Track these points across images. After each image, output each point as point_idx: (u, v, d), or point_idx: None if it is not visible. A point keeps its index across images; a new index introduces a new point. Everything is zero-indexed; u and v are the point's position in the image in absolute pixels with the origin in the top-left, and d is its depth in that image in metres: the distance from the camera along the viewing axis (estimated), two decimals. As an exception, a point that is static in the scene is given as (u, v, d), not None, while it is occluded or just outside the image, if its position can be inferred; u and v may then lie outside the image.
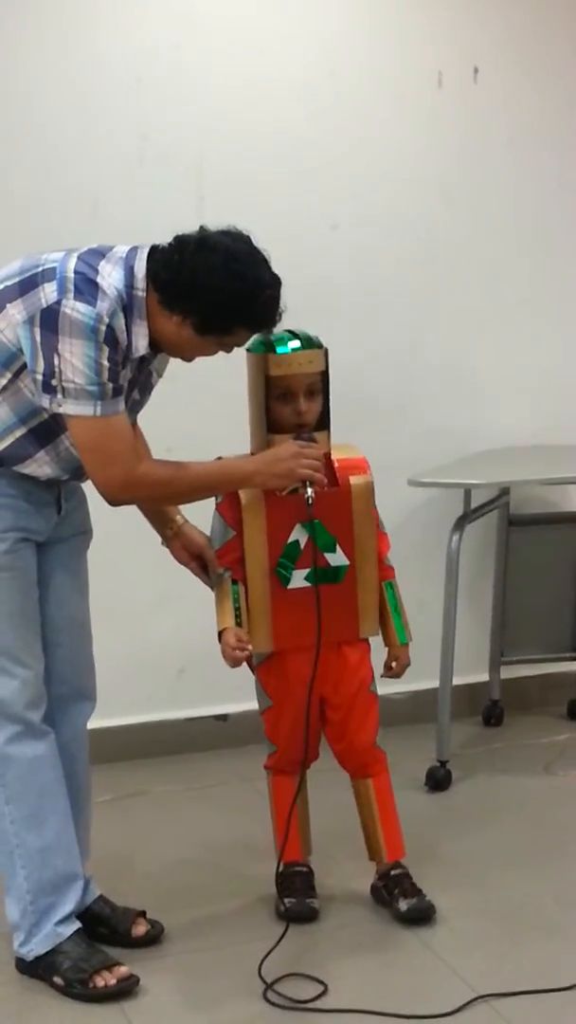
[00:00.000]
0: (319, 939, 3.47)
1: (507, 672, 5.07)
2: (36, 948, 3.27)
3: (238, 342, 3.16)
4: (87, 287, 3.02)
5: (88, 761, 3.49)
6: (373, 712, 3.58)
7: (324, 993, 3.21)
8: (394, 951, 3.42)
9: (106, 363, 3.02)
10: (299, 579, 3.43)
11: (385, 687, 3.63)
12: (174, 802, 4.40)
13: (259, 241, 3.11)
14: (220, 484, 3.35)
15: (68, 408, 3.05)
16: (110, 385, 3.04)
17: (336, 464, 3.48)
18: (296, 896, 3.55)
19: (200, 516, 3.49)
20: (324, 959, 3.36)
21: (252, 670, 3.57)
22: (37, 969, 3.29)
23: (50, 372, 3.03)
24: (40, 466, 3.18)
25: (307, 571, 3.43)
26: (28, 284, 3.06)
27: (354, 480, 3.48)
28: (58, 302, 3.01)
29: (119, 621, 4.35)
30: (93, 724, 3.50)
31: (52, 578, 3.33)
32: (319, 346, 3.40)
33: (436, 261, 4.90)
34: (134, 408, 3.27)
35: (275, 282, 3.09)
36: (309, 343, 3.38)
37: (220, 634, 3.40)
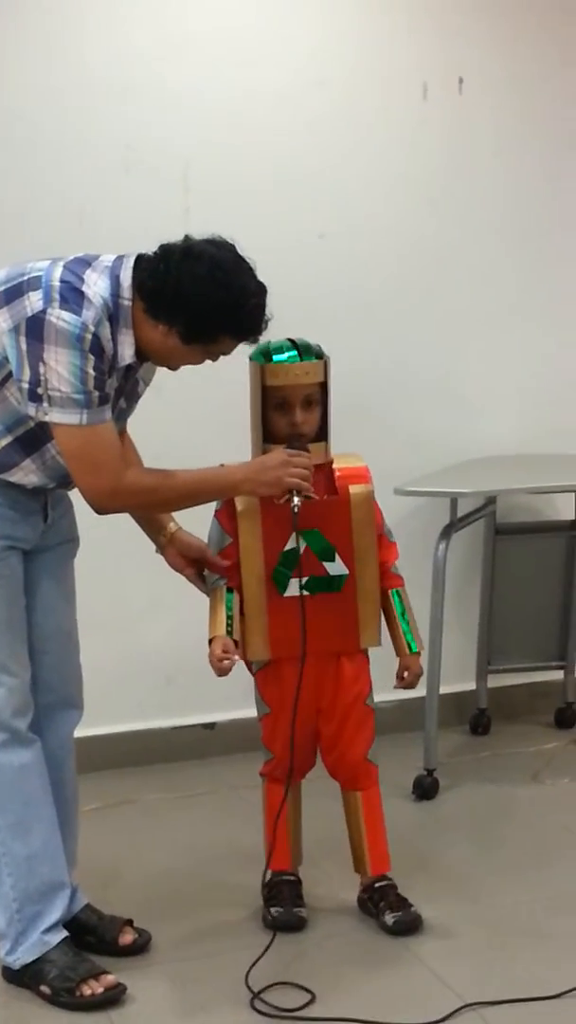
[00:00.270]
0: (307, 948, 3.46)
1: (494, 680, 5.08)
2: (23, 957, 3.27)
3: (224, 350, 3.16)
4: (73, 296, 3.02)
5: (75, 769, 3.49)
6: (367, 726, 3.57)
7: (312, 1002, 3.20)
8: (382, 960, 3.41)
9: (92, 372, 3.02)
10: (296, 587, 3.41)
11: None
12: (162, 810, 4.39)
13: (246, 250, 3.11)
14: (207, 492, 3.35)
15: (54, 416, 3.05)
16: (96, 394, 3.04)
17: (337, 473, 3.48)
18: (284, 905, 3.55)
19: (196, 523, 3.49)
20: (312, 968, 3.36)
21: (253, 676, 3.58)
22: (24, 978, 3.28)
23: (36, 381, 3.03)
24: (26, 474, 3.18)
25: (305, 579, 3.43)
26: (13, 293, 3.07)
27: (353, 489, 3.47)
28: (44, 311, 3.01)
29: (108, 629, 4.35)
30: (81, 732, 3.50)
31: (39, 586, 3.32)
32: (319, 357, 3.39)
33: (423, 270, 4.91)
34: (121, 416, 3.28)
35: (260, 290, 3.09)
36: (308, 354, 3.37)
37: (210, 642, 3.40)
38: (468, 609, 5.00)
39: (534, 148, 5.00)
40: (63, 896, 3.31)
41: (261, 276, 3.11)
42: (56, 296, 3.02)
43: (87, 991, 3.21)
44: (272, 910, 3.53)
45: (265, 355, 3.36)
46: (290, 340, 3.38)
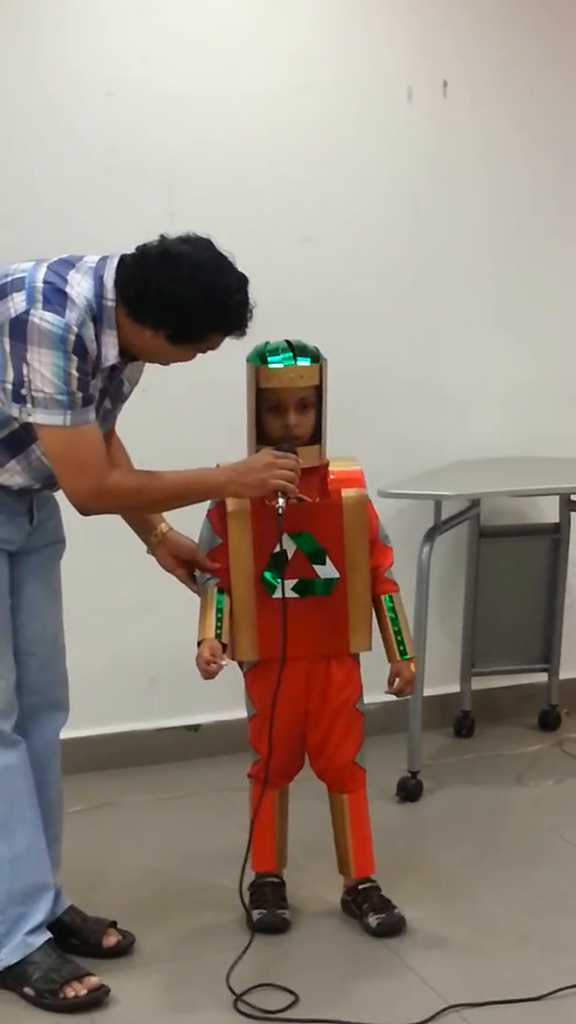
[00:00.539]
0: (290, 950, 3.47)
1: (478, 683, 5.08)
2: (6, 958, 3.26)
3: (213, 346, 3.15)
4: (56, 297, 3.02)
5: (60, 771, 3.49)
6: (356, 730, 3.57)
7: (295, 1003, 3.21)
8: (365, 961, 3.42)
9: (75, 373, 3.02)
10: (286, 589, 3.40)
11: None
12: (145, 813, 4.39)
13: (228, 250, 3.11)
14: (192, 493, 3.34)
15: (38, 417, 3.05)
16: (80, 394, 3.04)
17: (331, 476, 3.48)
18: (267, 907, 3.55)
19: (187, 523, 3.49)
20: (295, 970, 3.36)
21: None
22: (7, 979, 3.28)
23: (19, 381, 3.03)
24: (11, 475, 3.18)
25: (295, 582, 3.43)
26: (-4, 294, 3.07)
27: (346, 493, 3.47)
28: (27, 312, 3.01)
29: (91, 631, 4.34)
30: (64, 734, 3.49)
31: (24, 588, 3.32)
32: (315, 360, 3.39)
33: (407, 274, 4.92)
34: (107, 417, 3.28)
35: (242, 284, 3.08)
36: (303, 356, 3.37)
37: (199, 644, 3.40)
38: (452, 611, 5.01)
39: (518, 151, 5.01)
40: (47, 898, 3.31)
41: (249, 292, 3.10)
42: (39, 297, 3.02)
43: (71, 993, 3.21)
44: (255, 912, 3.53)
45: (261, 357, 3.36)
46: (287, 342, 3.38)
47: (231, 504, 3.43)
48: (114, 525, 3.44)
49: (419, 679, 4.42)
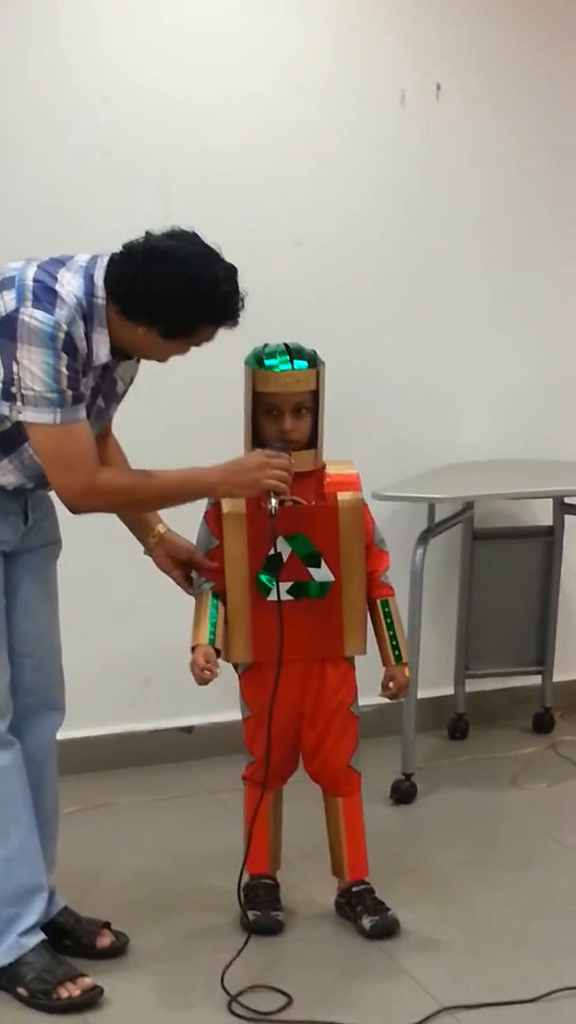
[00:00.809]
0: (284, 951, 3.47)
1: (472, 685, 5.08)
2: (0, 959, 3.26)
3: (207, 338, 3.15)
4: (45, 295, 3.03)
5: (56, 772, 3.49)
6: (350, 733, 3.57)
7: (288, 1005, 3.21)
8: (359, 963, 3.42)
9: (65, 371, 3.02)
10: (281, 592, 3.40)
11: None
12: (139, 814, 4.39)
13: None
14: (184, 493, 3.33)
15: (28, 416, 3.05)
16: (70, 393, 3.04)
17: (327, 479, 3.48)
18: (261, 909, 3.55)
19: (185, 524, 3.50)
20: (289, 971, 3.36)
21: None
22: (1, 980, 3.27)
23: (9, 380, 3.03)
24: (4, 475, 3.18)
25: (289, 584, 3.43)
26: (-13, 293, 3.07)
27: (342, 496, 3.47)
28: (16, 310, 3.01)
29: (84, 631, 4.32)
30: (58, 735, 3.49)
31: (20, 589, 3.32)
32: (312, 364, 3.39)
33: (401, 276, 4.92)
34: (100, 416, 3.28)
35: (230, 274, 3.08)
36: (300, 361, 3.37)
37: (193, 649, 3.40)
38: (446, 614, 5.01)
39: (511, 154, 5.02)
40: (41, 899, 3.31)
41: (238, 282, 3.10)
42: (29, 295, 3.02)
43: (64, 993, 3.21)
44: (250, 913, 3.52)
45: (258, 360, 3.37)
46: (285, 345, 3.38)
47: (227, 506, 3.42)
48: (108, 525, 3.44)
49: (413, 681, 4.42)
